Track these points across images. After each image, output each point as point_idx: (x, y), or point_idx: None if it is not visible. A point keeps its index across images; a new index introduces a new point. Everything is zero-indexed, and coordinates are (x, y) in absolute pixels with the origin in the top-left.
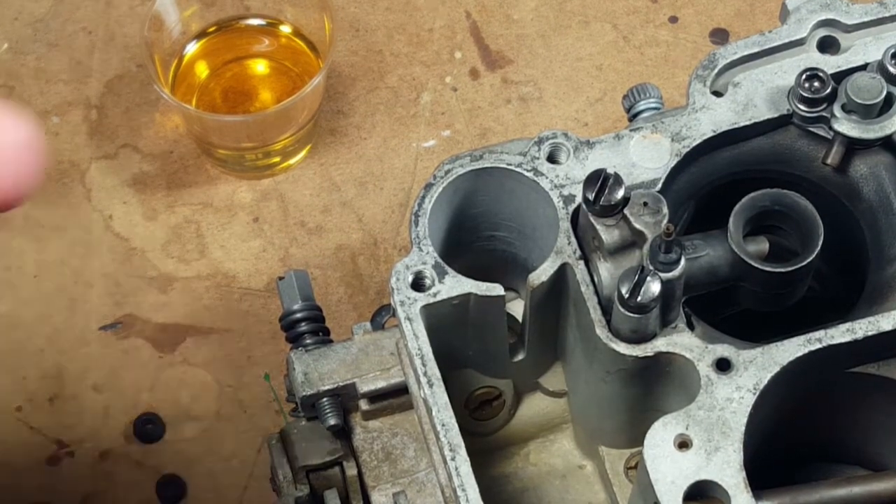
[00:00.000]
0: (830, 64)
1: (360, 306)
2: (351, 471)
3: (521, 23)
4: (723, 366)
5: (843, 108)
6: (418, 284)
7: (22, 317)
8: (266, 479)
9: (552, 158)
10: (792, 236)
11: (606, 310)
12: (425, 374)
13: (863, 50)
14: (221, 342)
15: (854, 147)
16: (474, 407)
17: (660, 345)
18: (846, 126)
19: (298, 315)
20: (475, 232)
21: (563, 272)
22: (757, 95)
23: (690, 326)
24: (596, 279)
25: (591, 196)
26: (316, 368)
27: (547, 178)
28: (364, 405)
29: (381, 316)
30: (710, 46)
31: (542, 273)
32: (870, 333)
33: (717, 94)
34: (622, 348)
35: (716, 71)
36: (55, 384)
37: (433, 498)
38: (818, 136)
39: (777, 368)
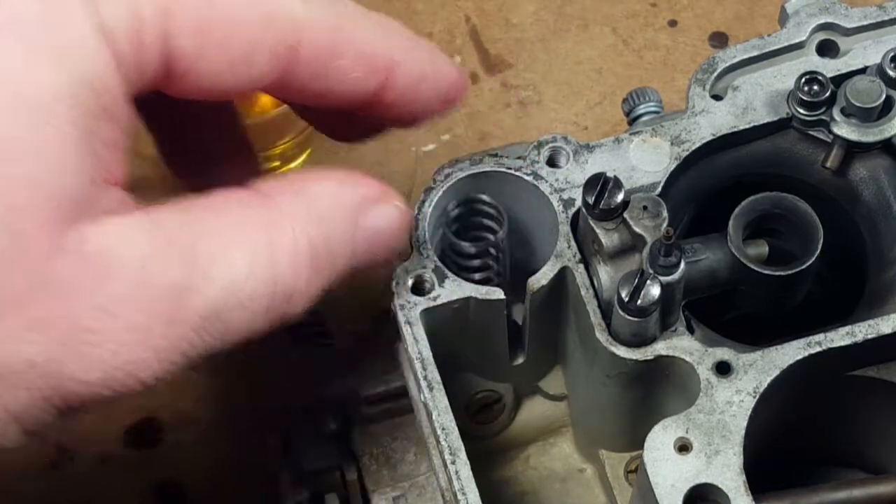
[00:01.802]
0: (829, 67)
1: (360, 310)
2: (351, 475)
3: (521, 27)
4: (723, 369)
5: (843, 111)
6: (418, 288)
7: None
8: (267, 484)
9: (552, 162)
10: (791, 240)
11: (606, 313)
12: (425, 377)
13: (862, 53)
14: None
15: (853, 150)
16: (474, 411)
17: (660, 348)
18: (845, 129)
19: (298, 319)
20: None
21: (562, 276)
22: (756, 99)
23: (690, 330)
24: (596, 283)
25: (590, 200)
26: (316, 372)
27: (546, 181)
28: (364, 409)
29: (383, 321)
30: (709, 50)
31: (542, 277)
32: (869, 336)
33: (717, 97)
34: (622, 352)
35: (715, 74)
36: None
37: (433, 502)
38: (817, 140)
39: (777, 372)
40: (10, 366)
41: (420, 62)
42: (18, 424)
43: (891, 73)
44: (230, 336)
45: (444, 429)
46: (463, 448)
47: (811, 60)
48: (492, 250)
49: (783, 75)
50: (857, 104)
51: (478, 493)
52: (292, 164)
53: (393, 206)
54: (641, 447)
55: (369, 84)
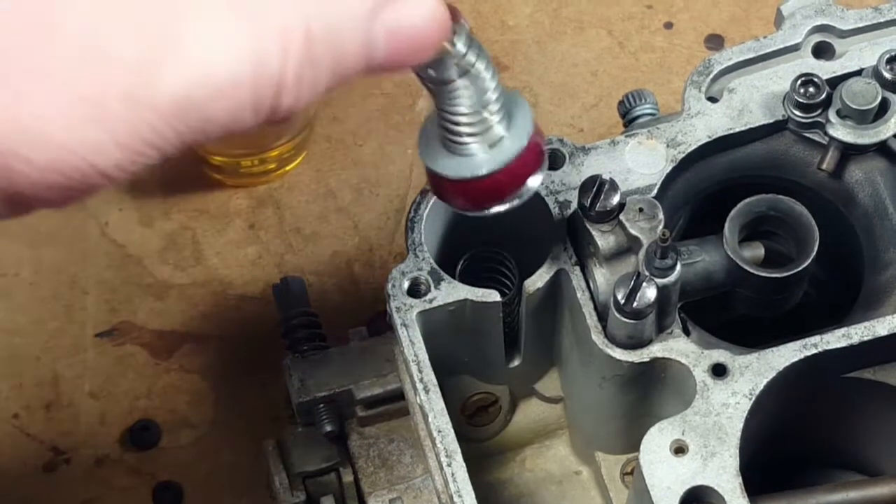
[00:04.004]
0: (825, 69)
1: (356, 312)
2: (347, 477)
3: (517, 29)
4: (719, 371)
5: (838, 113)
6: (414, 291)
7: (18, 323)
8: (263, 486)
9: (548, 164)
10: (787, 242)
11: (602, 316)
12: (421, 380)
13: (858, 55)
14: (217, 349)
15: (849, 152)
16: (470, 413)
17: (656, 350)
18: (841, 131)
19: (294, 322)
20: (471, 238)
21: (558, 278)
22: (752, 101)
23: (686, 332)
24: (592, 285)
25: (586, 202)
26: (312, 375)
27: (543, 183)
28: (360, 411)
29: (379, 323)
30: (705, 52)
31: (538, 279)
32: (865, 338)
33: (713, 99)
34: (618, 354)
35: (711, 77)
36: (51, 391)
37: None
38: (813, 142)
39: (773, 374)
40: None
41: None
42: None
43: (886, 74)
44: (209, 128)
45: (440, 431)
46: (459, 450)
47: (807, 62)
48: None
49: (779, 77)
50: (853, 106)
51: (474, 496)
52: (288, 167)
53: None
54: (637, 449)
55: None
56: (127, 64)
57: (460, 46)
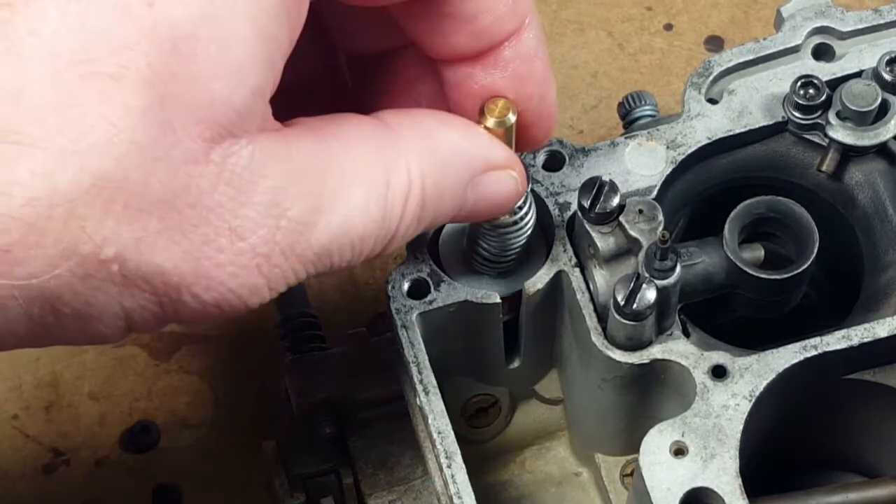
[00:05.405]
0: (825, 71)
1: (356, 314)
2: (347, 478)
3: None
4: (718, 373)
5: (838, 115)
6: (414, 292)
7: None
8: (263, 487)
9: (548, 166)
10: (787, 243)
11: (602, 317)
12: (421, 381)
13: (857, 57)
14: (217, 350)
15: (849, 154)
16: (470, 414)
17: (655, 352)
18: (841, 133)
19: (294, 323)
20: None
21: (558, 280)
22: (752, 102)
23: (686, 333)
24: (591, 287)
25: (586, 203)
26: (312, 376)
27: (542, 185)
28: (360, 413)
29: (379, 324)
30: (704, 54)
31: (538, 280)
32: (865, 340)
33: (713, 101)
34: (618, 355)
35: (711, 78)
36: (51, 392)
37: None
38: (813, 143)
39: (773, 375)
40: (140, 268)
41: (548, 89)
42: (126, 323)
43: (886, 76)
44: (329, 270)
45: (439, 432)
46: (459, 452)
47: (807, 64)
48: None
49: (779, 79)
50: (853, 108)
51: (473, 497)
52: None
53: (510, 175)
54: (637, 451)
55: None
56: (293, 222)
57: (522, 205)
